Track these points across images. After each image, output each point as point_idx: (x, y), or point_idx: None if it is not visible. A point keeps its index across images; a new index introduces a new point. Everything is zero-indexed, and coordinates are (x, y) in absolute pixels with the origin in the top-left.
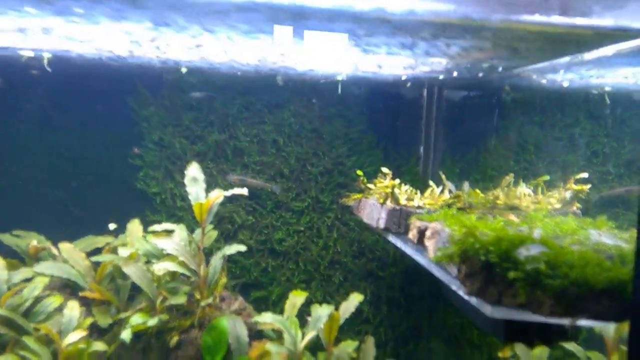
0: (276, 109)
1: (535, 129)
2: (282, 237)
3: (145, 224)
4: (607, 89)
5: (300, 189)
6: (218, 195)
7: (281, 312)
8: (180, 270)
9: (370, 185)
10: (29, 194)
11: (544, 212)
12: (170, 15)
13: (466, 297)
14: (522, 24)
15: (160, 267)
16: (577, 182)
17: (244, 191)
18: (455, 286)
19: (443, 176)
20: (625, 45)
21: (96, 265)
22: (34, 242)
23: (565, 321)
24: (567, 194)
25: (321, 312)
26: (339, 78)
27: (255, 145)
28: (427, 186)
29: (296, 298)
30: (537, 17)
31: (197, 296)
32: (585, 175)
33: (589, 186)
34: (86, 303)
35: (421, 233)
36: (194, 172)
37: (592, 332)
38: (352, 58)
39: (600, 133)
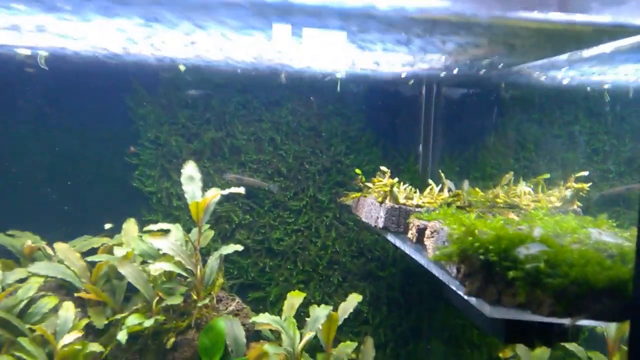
0: (273, 106)
1: (534, 127)
2: (280, 236)
3: (142, 223)
4: (606, 86)
5: (298, 188)
6: (214, 194)
7: (279, 312)
8: (177, 270)
9: (369, 184)
10: (23, 193)
11: (544, 211)
12: (156, 10)
13: (465, 296)
14: (519, 20)
15: (156, 267)
16: (578, 180)
17: (241, 190)
18: (455, 286)
19: (442, 174)
20: (624, 42)
21: (92, 265)
22: (29, 242)
23: (566, 321)
24: (568, 192)
25: (319, 312)
26: (338, 75)
27: (252, 144)
28: (427, 185)
29: (294, 299)
30: (535, 14)
31: (194, 297)
32: (585, 173)
33: (589, 184)
34: (82, 304)
35: (420, 232)
36: (190, 170)
37: (593, 332)
38: (349, 55)
39: (601, 130)
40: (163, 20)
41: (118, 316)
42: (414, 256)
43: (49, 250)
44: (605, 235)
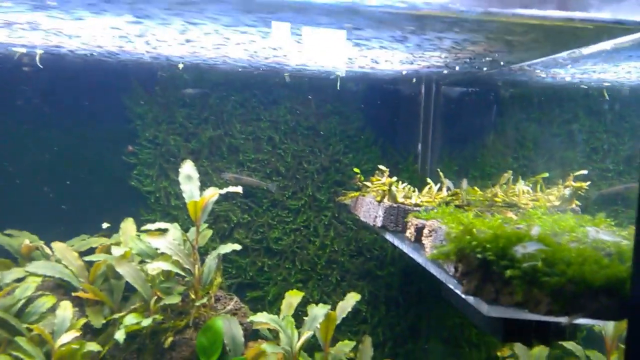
0: (272, 105)
1: (533, 126)
2: (278, 236)
3: (140, 222)
4: (606, 84)
5: (297, 187)
6: (212, 193)
7: (277, 312)
8: (175, 269)
9: (368, 183)
10: (21, 193)
11: (543, 210)
12: (143, 6)
13: (463, 295)
14: (518, 17)
15: (154, 267)
16: (576, 179)
17: (238, 189)
18: (453, 285)
19: (441, 173)
20: (624, 40)
21: (90, 264)
22: (27, 242)
23: (563, 319)
24: (566, 191)
25: (317, 311)
26: (338, 74)
27: (250, 143)
28: (425, 184)
29: (293, 298)
30: (534, 11)
31: (192, 296)
32: (584, 172)
33: (588, 183)
34: (79, 303)
35: (418, 231)
36: (188, 170)
37: (591, 331)
38: (346, 53)
39: (600, 129)
40: (153, 17)
41: (116, 315)
42: (412, 255)
43: (47, 250)
44: (603, 233)
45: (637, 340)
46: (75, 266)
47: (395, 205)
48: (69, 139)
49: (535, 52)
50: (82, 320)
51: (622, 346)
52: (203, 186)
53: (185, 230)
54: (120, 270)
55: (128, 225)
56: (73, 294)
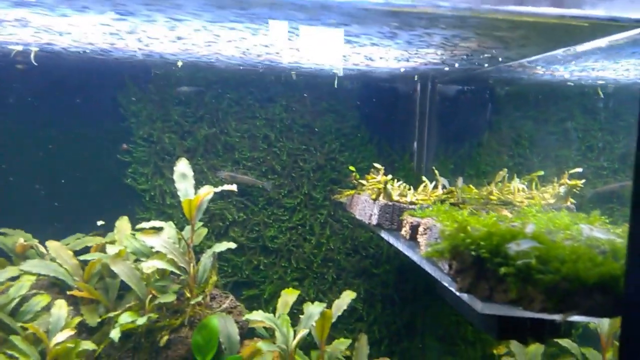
0: (267, 103)
1: (529, 124)
2: (274, 234)
3: (134, 221)
4: (601, 82)
5: (292, 186)
6: (207, 191)
7: (273, 310)
8: (170, 268)
9: (363, 181)
10: (15, 191)
11: (538, 208)
12: (123, 1)
13: (457, 293)
14: (510, 14)
15: (149, 265)
16: (571, 177)
17: (233, 187)
18: (447, 282)
19: (436, 172)
20: (618, 37)
21: (84, 263)
22: (21, 240)
23: (557, 317)
24: (561, 189)
25: (313, 310)
26: (336, 72)
27: (246, 141)
28: (421, 182)
29: (288, 296)
30: (528, 8)
31: (187, 294)
32: (579, 170)
33: (583, 181)
34: (74, 302)
35: (413, 229)
36: (183, 168)
37: (587, 329)
38: (339, 50)
39: (595, 127)
40: (136, 13)
41: (111, 314)
42: (407, 253)
43: (42, 249)
44: (597, 231)
45: (630, 337)
46: (69, 265)
47: (390, 203)
48: (63, 137)
49: (531, 48)
50: (77, 319)
51: (617, 343)
52: (198, 184)
53: (181, 228)
54: (115, 268)
55: (123, 224)
56: (68, 292)
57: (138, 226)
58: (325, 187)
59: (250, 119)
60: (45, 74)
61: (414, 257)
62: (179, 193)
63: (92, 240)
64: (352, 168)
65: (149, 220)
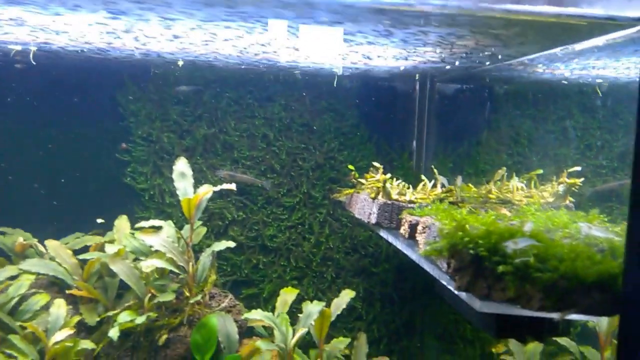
0: (266, 102)
1: (528, 122)
2: (273, 233)
3: (134, 220)
4: (599, 81)
5: (292, 185)
6: (206, 190)
7: (272, 309)
8: (169, 267)
9: (362, 180)
10: (15, 190)
11: (536, 206)
12: (115, 0)
13: (456, 291)
14: (507, 13)
15: (148, 264)
16: (570, 175)
17: (232, 186)
18: (445, 281)
19: (435, 170)
20: (616, 35)
21: (83, 262)
22: (20, 240)
23: (555, 315)
24: (560, 188)
25: (312, 308)
26: (335, 71)
27: (245, 140)
28: (420, 180)
29: (287, 295)
30: (525, 7)
31: (186, 293)
32: (578, 168)
33: (582, 180)
34: (73, 301)
35: (412, 228)
36: (182, 167)
37: (585, 327)
38: (336, 49)
39: (594, 126)
40: (128, 12)
41: (110, 313)
42: (406, 252)
43: (41, 248)
44: (596, 229)
45: (628, 336)
46: (69, 264)
47: (389, 202)
48: (62, 137)
49: (530, 46)
50: (76, 318)
51: (616, 342)
52: (197, 183)
53: (180, 227)
54: (114, 267)
55: (122, 223)
56: (67, 291)
57: (137, 225)
58: (325, 186)
59: (249, 118)
60: (44, 73)
61: (413, 256)
62: (178, 192)
63: (91, 240)
64: (351, 167)
65: (148, 219)
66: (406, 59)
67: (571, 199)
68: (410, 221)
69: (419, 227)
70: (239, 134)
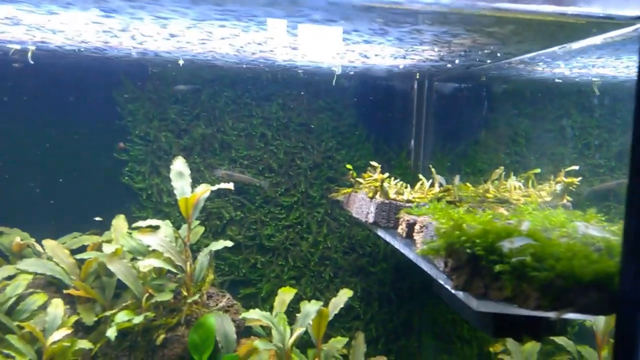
0: (264, 102)
1: (526, 121)
2: (271, 232)
3: (132, 220)
4: (597, 80)
5: (289, 184)
6: (204, 190)
7: (270, 309)
8: (166, 266)
9: (360, 180)
10: (12, 190)
11: (534, 205)
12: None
13: (453, 291)
14: (505, 12)
15: (146, 264)
16: (568, 174)
17: (230, 185)
18: (443, 280)
19: (432, 169)
20: (614, 34)
21: (81, 262)
22: (18, 239)
23: (552, 314)
24: (558, 187)
25: (310, 308)
26: (334, 69)
27: (243, 139)
28: (418, 180)
29: (285, 295)
30: (522, 5)
31: (184, 293)
32: (575, 167)
33: (579, 179)
34: (71, 301)
35: (410, 227)
36: (179, 166)
37: (583, 326)
38: (333, 47)
39: (592, 125)
40: (120, 10)
41: (107, 313)
42: (403, 251)
43: (38, 248)
44: (593, 229)
45: (625, 335)
46: (66, 264)
47: (387, 201)
48: (60, 136)
49: (529, 45)
50: (74, 318)
51: (613, 341)
52: (195, 183)
53: (177, 227)
54: (111, 267)
55: (119, 223)
56: (64, 291)
57: (135, 225)
58: (322, 185)
59: (247, 118)
60: (42, 72)
61: (411, 255)
62: (175, 191)
63: (89, 239)
64: (349, 166)
65: (145, 218)
66: (404, 57)
67: (569, 198)
68: (407, 220)
69: (417, 227)
70: (236, 133)
